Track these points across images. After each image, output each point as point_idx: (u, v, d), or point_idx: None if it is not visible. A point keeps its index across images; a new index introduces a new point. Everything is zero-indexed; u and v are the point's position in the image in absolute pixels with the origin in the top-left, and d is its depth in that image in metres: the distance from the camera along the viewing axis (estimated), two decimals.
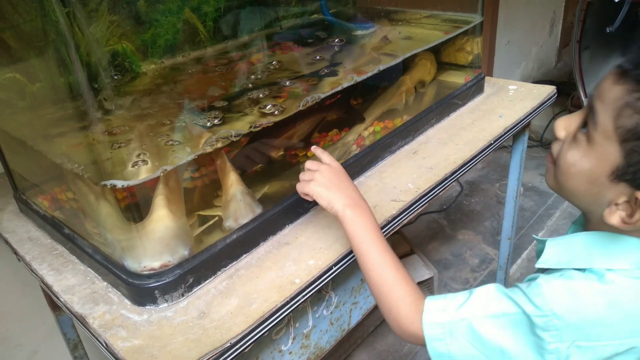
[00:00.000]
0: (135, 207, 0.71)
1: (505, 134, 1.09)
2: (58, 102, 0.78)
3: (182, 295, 0.72)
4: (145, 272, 0.70)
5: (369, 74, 0.97)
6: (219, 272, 0.76)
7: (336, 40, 1.13)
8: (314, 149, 0.80)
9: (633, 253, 0.60)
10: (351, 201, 0.72)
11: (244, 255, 0.79)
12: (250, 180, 0.84)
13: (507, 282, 1.55)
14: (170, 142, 0.77)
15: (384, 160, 1.01)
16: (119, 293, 0.74)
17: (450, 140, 1.07)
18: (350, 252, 0.77)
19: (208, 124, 0.82)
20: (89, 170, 0.73)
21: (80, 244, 0.80)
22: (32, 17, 0.70)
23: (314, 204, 0.86)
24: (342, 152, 0.96)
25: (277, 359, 0.78)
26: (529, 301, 0.59)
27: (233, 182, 0.79)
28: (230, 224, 0.78)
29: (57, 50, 0.65)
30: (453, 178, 0.96)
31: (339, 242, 0.79)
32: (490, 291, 0.63)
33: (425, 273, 1.63)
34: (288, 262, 0.77)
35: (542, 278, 0.61)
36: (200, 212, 0.81)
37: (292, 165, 0.95)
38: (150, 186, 0.71)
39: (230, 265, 0.77)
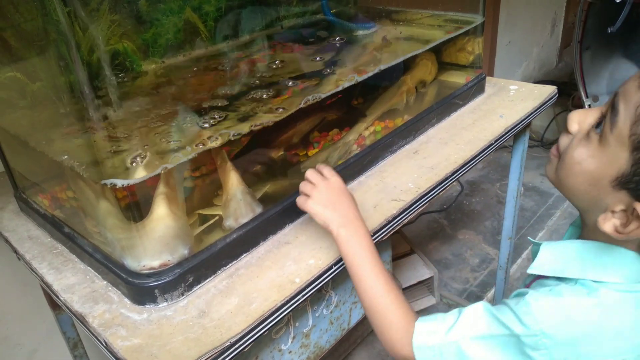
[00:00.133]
0: (135, 206, 0.71)
1: (506, 133, 1.09)
2: (58, 101, 0.78)
3: (182, 295, 0.72)
4: (145, 271, 0.70)
5: (370, 74, 0.97)
6: (219, 272, 0.76)
7: (337, 40, 1.13)
8: (318, 166, 0.79)
9: (626, 266, 0.59)
10: (346, 220, 0.72)
11: (244, 255, 0.79)
12: (250, 179, 0.84)
13: (508, 282, 1.55)
14: (170, 141, 0.77)
15: (384, 160, 1.01)
16: (119, 292, 0.74)
17: (451, 140, 1.07)
18: None
19: (208, 123, 0.82)
20: (89, 169, 0.73)
21: (80, 243, 0.80)
22: (33, 16, 0.70)
23: None
24: (343, 151, 0.96)
25: (276, 358, 0.78)
26: (518, 320, 0.59)
27: (233, 182, 0.79)
28: (230, 223, 0.78)
29: (58, 50, 0.65)
30: (454, 178, 0.96)
31: None
32: (479, 311, 0.63)
33: (425, 273, 1.63)
34: (288, 262, 0.77)
35: (531, 295, 0.60)
36: (201, 211, 0.81)
37: (292, 165, 0.95)
38: (150, 185, 0.71)
39: (230, 264, 0.77)
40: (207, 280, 0.75)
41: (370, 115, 1.02)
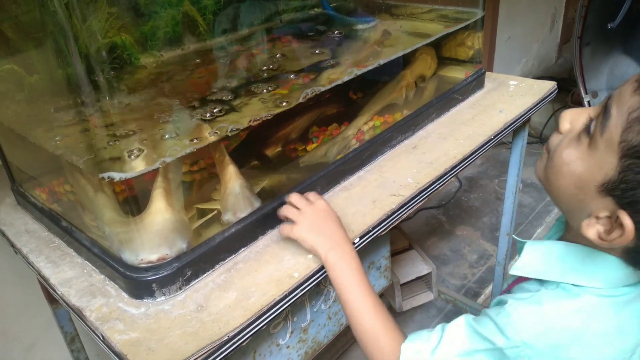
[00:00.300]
0: (133, 199, 0.71)
1: (505, 129, 1.09)
2: (56, 94, 0.77)
3: (180, 289, 0.72)
4: (143, 265, 0.70)
5: (369, 68, 0.97)
6: (217, 266, 0.76)
7: (336, 34, 1.12)
8: (306, 194, 0.80)
9: (607, 271, 0.59)
10: (334, 243, 0.72)
11: (243, 249, 0.79)
12: (249, 173, 0.84)
13: (506, 278, 1.55)
14: (169, 135, 0.77)
15: (383, 155, 1.01)
16: (117, 286, 0.74)
17: (450, 135, 1.06)
18: None
19: (206, 117, 0.81)
20: (87, 162, 0.72)
21: (78, 236, 0.80)
22: (31, 8, 0.69)
23: None
24: (342, 146, 0.96)
25: (274, 353, 0.78)
26: (500, 332, 0.59)
27: (232, 176, 0.79)
28: (228, 217, 0.78)
29: (56, 42, 0.65)
30: (453, 173, 0.96)
31: None
32: (461, 327, 0.63)
33: (423, 268, 1.63)
34: (287, 256, 0.77)
35: (511, 305, 0.60)
36: (199, 206, 0.81)
37: (291, 159, 0.94)
38: (148, 179, 0.71)
39: (229, 258, 0.77)
40: (205, 274, 0.74)
41: (369, 110, 1.02)
